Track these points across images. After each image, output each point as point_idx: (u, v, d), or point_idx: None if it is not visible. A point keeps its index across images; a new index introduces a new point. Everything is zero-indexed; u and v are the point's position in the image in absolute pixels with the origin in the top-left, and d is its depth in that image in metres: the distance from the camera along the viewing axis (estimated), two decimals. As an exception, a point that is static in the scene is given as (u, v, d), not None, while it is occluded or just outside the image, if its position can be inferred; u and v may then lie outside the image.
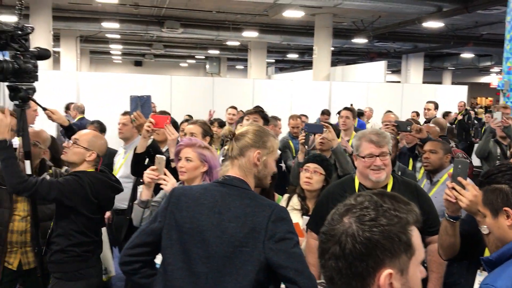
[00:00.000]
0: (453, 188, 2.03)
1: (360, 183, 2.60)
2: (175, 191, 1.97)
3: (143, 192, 2.64)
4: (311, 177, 3.07)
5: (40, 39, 12.77)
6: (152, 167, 2.61)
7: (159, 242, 1.89)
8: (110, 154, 4.59)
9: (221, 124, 5.78)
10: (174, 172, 2.69)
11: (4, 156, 2.57)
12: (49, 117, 3.34)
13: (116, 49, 25.14)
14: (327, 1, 10.95)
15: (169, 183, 2.52)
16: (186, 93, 10.51)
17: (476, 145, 7.09)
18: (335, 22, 15.24)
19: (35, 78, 2.70)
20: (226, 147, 2.03)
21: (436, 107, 7.60)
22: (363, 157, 2.54)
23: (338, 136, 4.17)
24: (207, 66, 27.77)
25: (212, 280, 1.77)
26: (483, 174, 1.99)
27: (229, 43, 20.65)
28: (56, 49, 18.80)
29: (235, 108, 7.13)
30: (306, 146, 4.29)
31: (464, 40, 18.04)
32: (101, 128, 5.02)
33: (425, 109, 7.52)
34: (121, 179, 4.03)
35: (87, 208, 2.79)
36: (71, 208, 2.75)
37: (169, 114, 3.69)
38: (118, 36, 21.01)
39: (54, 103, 9.20)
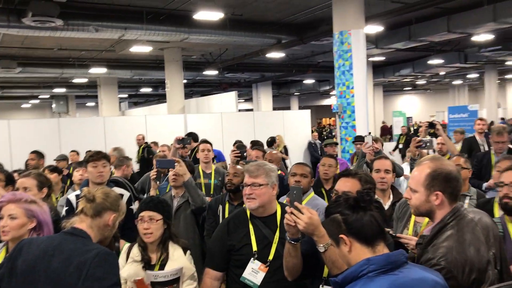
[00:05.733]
0: (291, 213, 2.15)
1: (250, 213, 2.67)
2: (22, 241, 2.14)
3: None
4: (149, 227, 2.77)
5: None
6: None
7: None
8: None
9: (54, 169, 5.25)
10: None
11: None
12: None
13: None
14: (173, 36, 11.09)
15: None
16: (27, 137, 9.63)
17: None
18: (184, 55, 15.50)
19: None
20: (81, 203, 2.21)
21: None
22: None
23: (192, 172, 4.18)
24: (54, 106, 25.99)
25: None
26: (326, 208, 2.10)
27: (76, 80, 19.63)
28: None
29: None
30: (158, 182, 4.23)
31: (304, 68, 19.72)
32: None
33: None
34: None
35: None
36: None
37: None
38: None
39: None
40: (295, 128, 12.38)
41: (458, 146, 7.18)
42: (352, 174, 2.71)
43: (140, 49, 13.07)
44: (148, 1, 10.07)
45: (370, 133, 5.64)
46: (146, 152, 9.50)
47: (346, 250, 1.73)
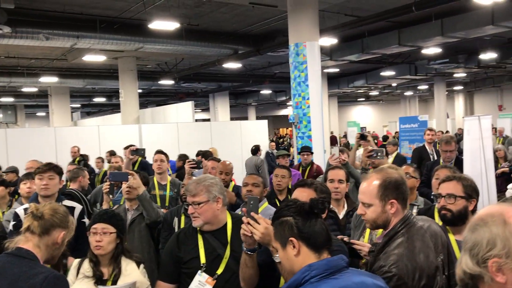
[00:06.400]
0: (248, 223, 2.15)
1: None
2: None
3: None
4: (101, 239, 2.68)
5: None
6: None
7: None
8: None
9: (1, 183, 4.88)
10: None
11: None
12: None
13: None
14: (127, 45, 10.91)
15: None
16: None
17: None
18: (139, 64, 15.28)
19: None
20: (26, 220, 2.08)
21: None
22: None
23: (146, 184, 4.09)
24: (1, 116, 24.94)
25: None
26: (275, 211, 2.12)
27: (25, 89, 18.92)
28: None
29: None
30: (111, 196, 4.11)
31: (261, 79, 19.88)
32: None
33: None
34: None
35: None
36: None
37: None
38: None
39: None
40: (252, 138, 12.40)
41: (391, 158, 7.33)
42: (308, 184, 2.72)
43: (93, 58, 12.77)
44: (102, 9, 9.88)
45: (336, 144, 5.69)
46: (83, 165, 9.24)
47: (293, 253, 1.75)
